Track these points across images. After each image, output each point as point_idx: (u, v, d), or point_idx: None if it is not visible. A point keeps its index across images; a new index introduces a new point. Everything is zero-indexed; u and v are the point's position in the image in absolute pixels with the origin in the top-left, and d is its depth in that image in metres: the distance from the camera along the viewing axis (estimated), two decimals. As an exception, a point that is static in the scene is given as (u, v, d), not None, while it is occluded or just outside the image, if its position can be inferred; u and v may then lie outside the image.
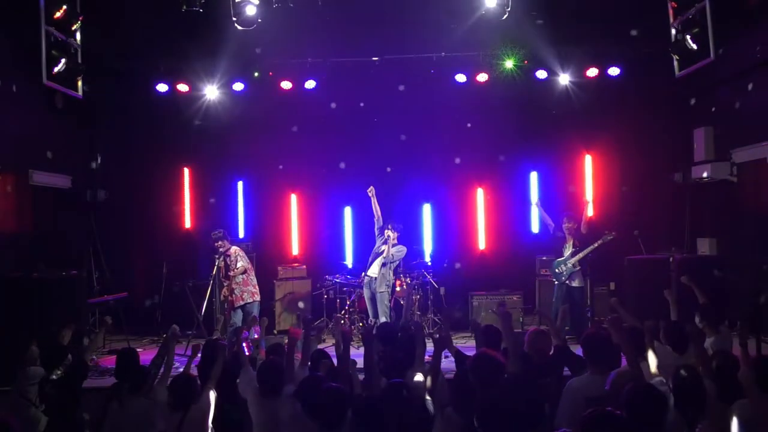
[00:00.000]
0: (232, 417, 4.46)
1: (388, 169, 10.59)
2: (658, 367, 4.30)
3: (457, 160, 10.66)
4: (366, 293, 8.98)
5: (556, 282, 8.86)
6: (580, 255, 8.56)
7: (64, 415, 4.23)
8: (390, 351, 4.90)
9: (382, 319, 8.51)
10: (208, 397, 4.51)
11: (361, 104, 10.42)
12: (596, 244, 8.46)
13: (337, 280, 9.76)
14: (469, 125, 10.44)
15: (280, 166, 10.77)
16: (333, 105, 10.28)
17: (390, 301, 8.88)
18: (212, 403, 4.45)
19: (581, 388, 4.19)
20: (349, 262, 10.66)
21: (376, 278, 8.78)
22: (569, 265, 8.63)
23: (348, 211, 10.92)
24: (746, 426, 3.68)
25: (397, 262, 9.01)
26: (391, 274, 8.85)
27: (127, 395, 4.57)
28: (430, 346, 7.93)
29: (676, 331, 4.92)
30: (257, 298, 8.56)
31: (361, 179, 10.55)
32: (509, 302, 9.58)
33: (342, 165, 10.72)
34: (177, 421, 4.29)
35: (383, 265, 8.76)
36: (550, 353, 4.97)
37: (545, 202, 9.58)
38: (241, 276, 8.45)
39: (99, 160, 10.50)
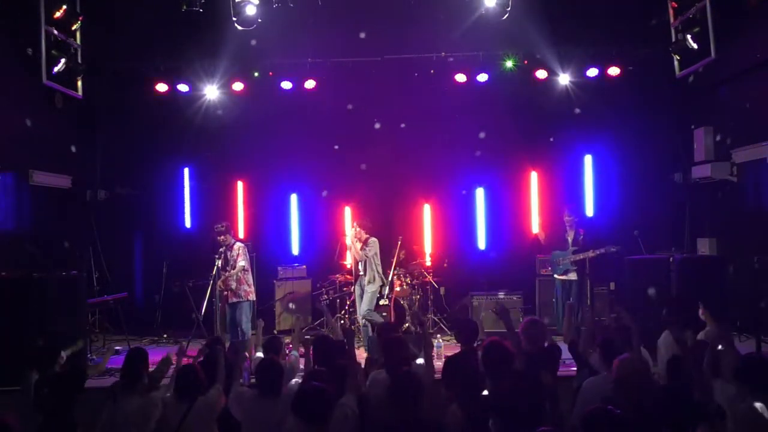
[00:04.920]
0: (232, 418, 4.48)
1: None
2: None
3: (458, 160, 10.64)
4: (356, 290, 8.81)
5: (554, 276, 8.95)
6: (579, 256, 8.63)
7: (56, 421, 4.22)
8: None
9: (369, 317, 8.38)
10: (217, 393, 4.53)
11: (361, 104, 10.41)
12: (594, 253, 8.52)
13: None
14: (469, 126, 10.43)
15: (281, 167, 10.78)
16: (333, 105, 10.27)
17: (378, 299, 8.69)
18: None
19: (598, 388, 4.24)
20: (348, 261, 10.65)
21: (362, 275, 8.64)
22: (567, 261, 8.75)
23: (348, 212, 10.92)
24: (739, 424, 3.71)
25: (376, 255, 8.68)
26: (379, 270, 8.63)
27: (123, 393, 4.57)
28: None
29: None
30: (252, 297, 8.50)
31: (361, 179, 10.58)
32: (509, 302, 9.57)
33: (341, 165, 10.71)
34: (182, 411, 4.30)
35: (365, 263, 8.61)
36: (545, 345, 5.07)
37: (545, 202, 9.56)
38: (238, 273, 8.42)
39: (99, 160, 10.49)
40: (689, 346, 4.62)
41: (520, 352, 4.43)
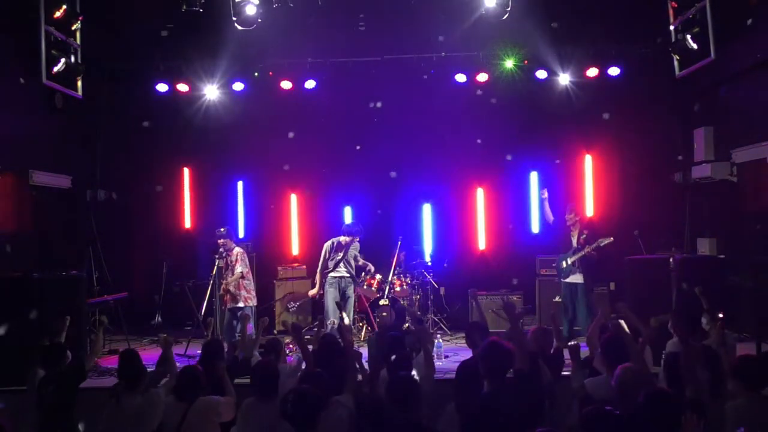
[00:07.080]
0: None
1: (393, 174, 10.62)
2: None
3: (458, 160, 10.65)
4: (333, 293, 8.58)
5: (561, 280, 8.82)
6: (578, 255, 8.54)
7: (58, 418, 4.22)
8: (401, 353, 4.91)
9: (347, 320, 8.39)
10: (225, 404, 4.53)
11: (361, 104, 10.41)
12: (589, 248, 8.41)
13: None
14: (469, 126, 10.43)
15: (286, 167, 10.76)
16: (333, 105, 10.26)
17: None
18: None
19: (597, 390, 4.21)
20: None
21: (346, 277, 8.62)
22: (568, 262, 8.64)
23: (348, 212, 10.91)
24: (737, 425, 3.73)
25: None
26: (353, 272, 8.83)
27: (125, 392, 4.57)
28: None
29: (684, 321, 5.30)
30: (250, 303, 8.47)
31: (361, 179, 10.59)
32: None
33: (341, 165, 10.71)
34: (181, 411, 4.29)
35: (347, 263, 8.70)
36: (551, 351, 5.06)
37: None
38: (237, 279, 8.41)
39: (99, 160, 10.49)
40: (693, 349, 4.59)
41: (523, 351, 4.37)
